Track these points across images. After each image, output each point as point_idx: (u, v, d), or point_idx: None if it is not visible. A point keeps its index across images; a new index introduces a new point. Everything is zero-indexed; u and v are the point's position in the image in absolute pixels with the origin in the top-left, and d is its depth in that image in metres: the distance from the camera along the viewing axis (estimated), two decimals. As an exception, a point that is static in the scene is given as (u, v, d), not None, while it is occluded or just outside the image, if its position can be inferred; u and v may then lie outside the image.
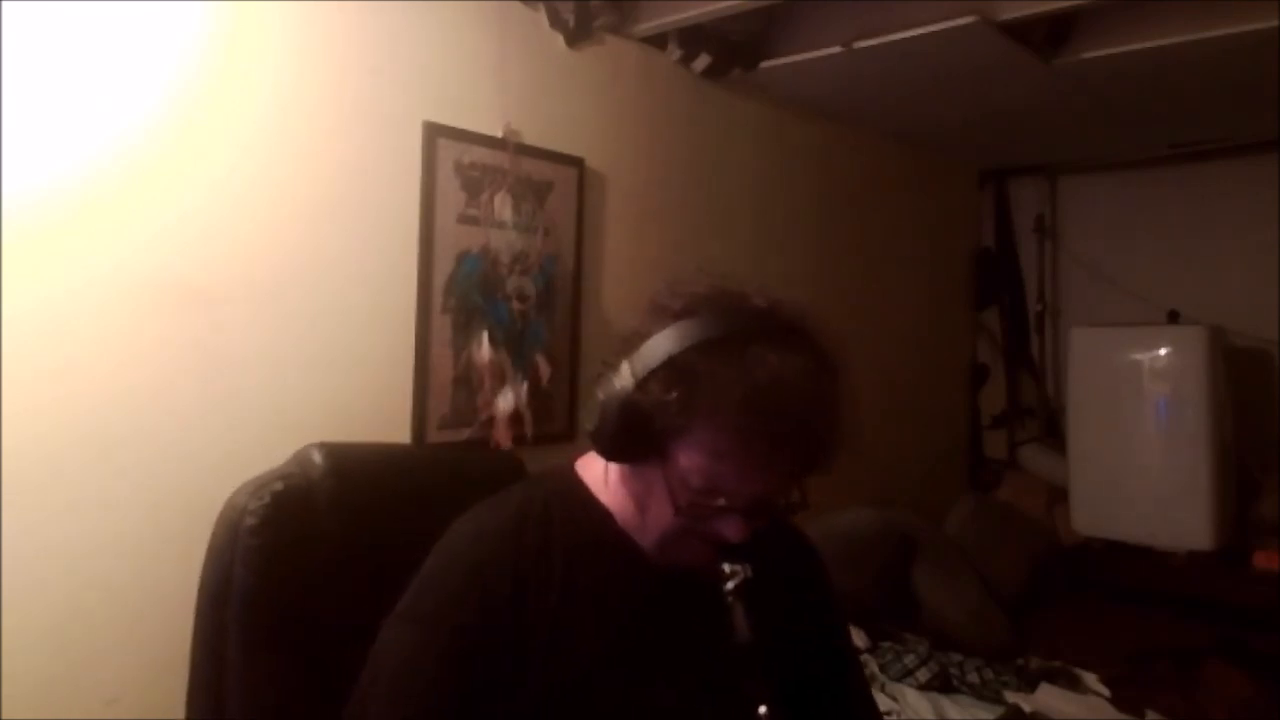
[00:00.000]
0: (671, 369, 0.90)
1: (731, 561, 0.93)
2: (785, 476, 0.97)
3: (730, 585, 0.92)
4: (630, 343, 0.95)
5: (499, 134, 2.08)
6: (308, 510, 1.08)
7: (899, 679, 2.24)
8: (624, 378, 0.93)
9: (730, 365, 0.88)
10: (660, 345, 0.92)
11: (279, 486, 1.07)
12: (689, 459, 0.92)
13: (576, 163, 2.26)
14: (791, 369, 0.89)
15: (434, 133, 1.97)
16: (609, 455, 0.98)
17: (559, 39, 2.23)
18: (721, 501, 0.93)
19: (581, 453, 1.08)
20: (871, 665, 2.28)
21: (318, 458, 1.11)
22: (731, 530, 0.94)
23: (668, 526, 0.96)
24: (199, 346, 1.66)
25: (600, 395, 0.94)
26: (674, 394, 0.89)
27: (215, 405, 1.68)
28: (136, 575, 1.57)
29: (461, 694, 0.93)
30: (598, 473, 1.04)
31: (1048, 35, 2.38)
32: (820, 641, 1.14)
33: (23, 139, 1.47)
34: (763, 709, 0.88)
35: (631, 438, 0.93)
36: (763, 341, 0.90)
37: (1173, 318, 3.19)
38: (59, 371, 1.51)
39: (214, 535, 1.08)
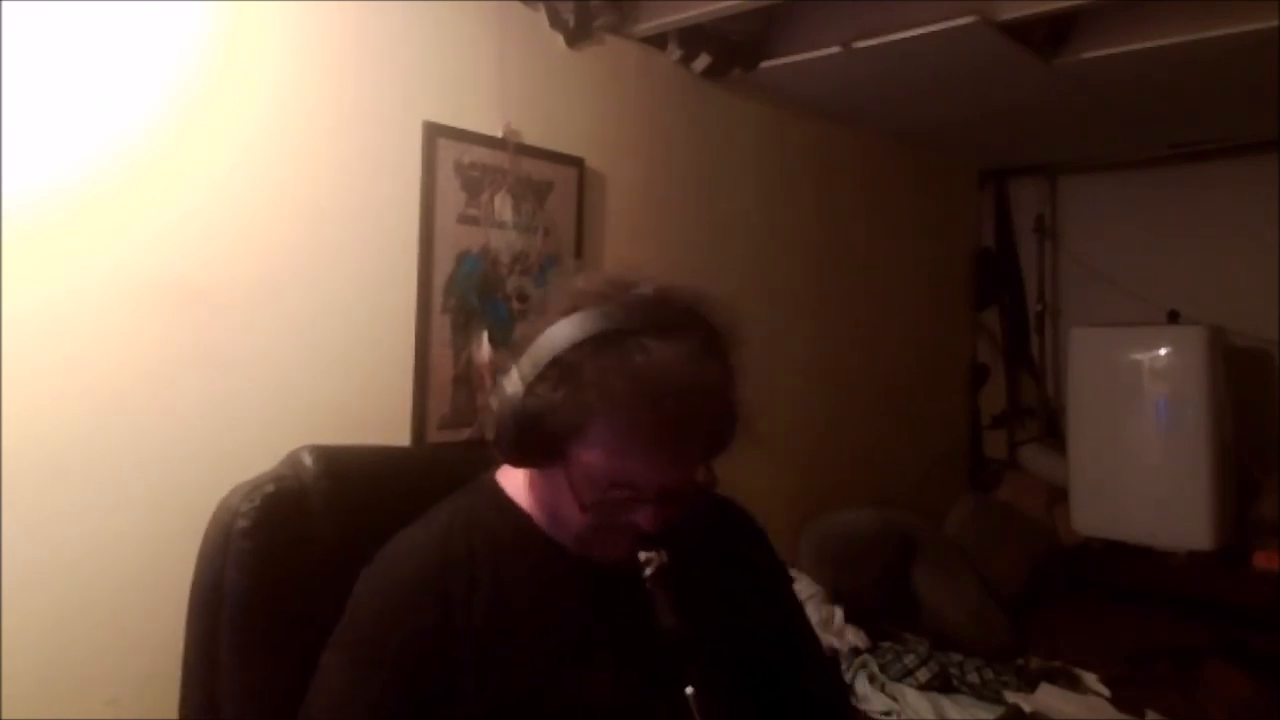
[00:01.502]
0: (556, 369, 0.89)
1: (647, 550, 0.93)
2: (687, 461, 0.96)
3: (648, 573, 0.92)
4: (519, 347, 0.94)
5: (499, 134, 2.09)
6: (299, 512, 1.07)
7: (899, 679, 2.24)
8: (514, 382, 0.92)
9: (612, 358, 0.88)
10: (545, 346, 0.91)
11: (270, 489, 1.06)
12: (588, 456, 0.91)
13: (576, 163, 2.26)
14: (674, 355, 0.88)
15: (434, 133, 1.97)
16: (512, 462, 0.98)
17: (559, 39, 2.24)
18: (628, 494, 0.92)
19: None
20: (871, 665, 2.28)
21: (309, 460, 1.10)
22: (644, 520, 0.93)
23: (580, 525, 0.95)
24: (199, 346, 1.67)
25: (494, 402, 0.94)
26: (561, 394, 0.89)
27: (215, 405, 1.68)
28: (136, 575, 1.57)
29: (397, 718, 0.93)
30: (518, 478, 1.04)
31: (1048, 35, 2.38)
32: (765, 611, 1.13)
33: (23, 139, 1.47)
34: (689, 690, 0.88)
35: (529, 442, 0.92)
36: (645, 331, 0.89)
37: (1173, 318, 3.19)
38: (59, 371, 1.51)
39: (205, 538, 1.07)
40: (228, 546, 1.04)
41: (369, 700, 0.93)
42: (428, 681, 0.93)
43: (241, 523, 1.04)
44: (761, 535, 1.19)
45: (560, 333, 0.90)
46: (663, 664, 0.91)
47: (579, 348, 0.89)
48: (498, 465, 1.08)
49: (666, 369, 0.87)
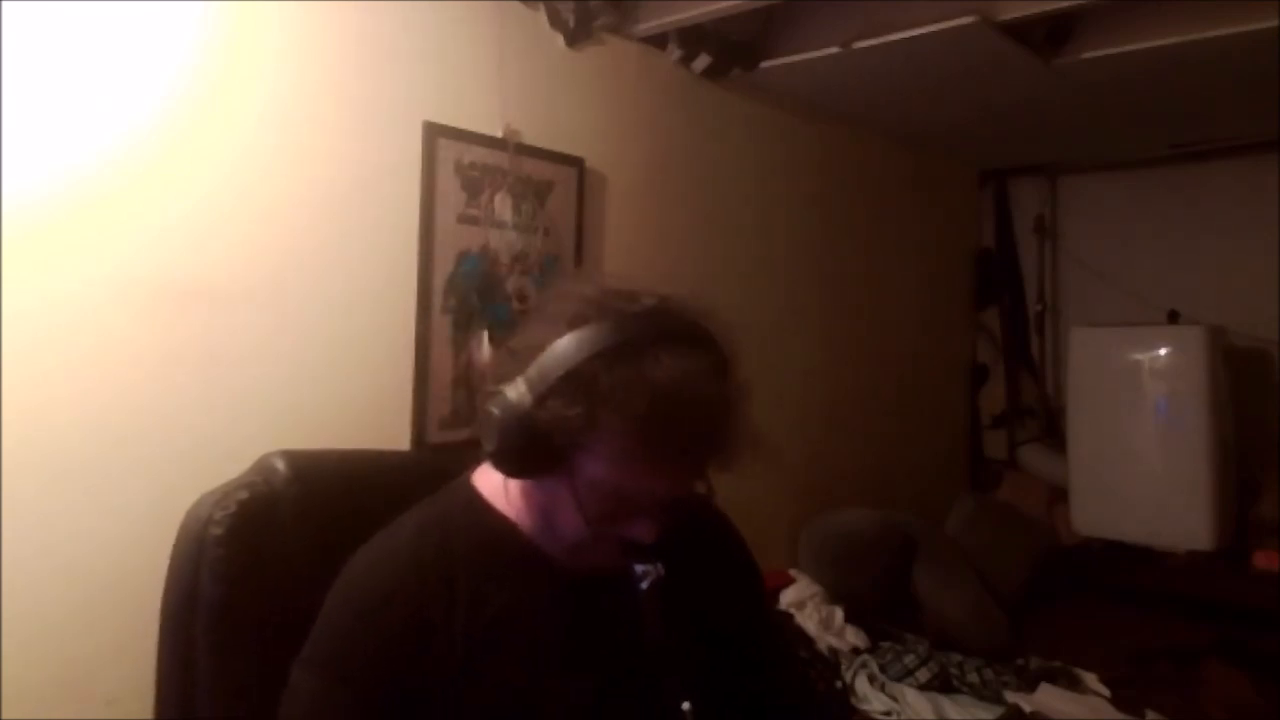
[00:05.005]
0: (570, 382, 0.87)
1: (642, 562, 0.92)
2: (696, 475, 0.96)
3: (644, 585, 0.91)
4: (522, 355, 0.92)
5: (499, 134, 2.09)
6: (272, 519, 1.06)
7: (899, 679, 2.24)
8: (521, 394, 0.89)
9: (629, 374, 0.86)
10: (555, 358, 0.88)
11: (244, 496, 1.05)
12: (596, 469, 0.90)
13: (576, 163, 2.26)
14: (689, 369, 0.88)
15: (434, 133, 1.97)
16: (514, 474, 0.96)
17: (559, 39, 2.24)
18: (632, 506, 0.92)
19: (477, 464, 1.05)
20: (871, 665, 2.28)
21: (280, 465, 1.09)
22: (642, 531, 0.93)
23: (579, 536, 0.94)
24: (199, 346, 1.66)
25: (497, 413, 0.91)
26: (576, 409, 0.87)
27: (215, 405, 1.68)
28: (137, 575, 1.57)
29: None
30: (496, 483, 1.00)
31: (1048, 35, 2.38)
32: (739, 608, 1.13)
33: (23, 139, 1.47)
34: (686, 705, 0.88)
35: (536, 455, 0.91)
36: (658, 343, 0.88)
37: (1173, 318, 3.19)
38: (59, 371, 1.51)
39: (176, 548, 1.06)
40: (201, 555, 1.03)
41: (345, 717, 0.91)
42: (402, 695, 0.92)
43: (215, 531, 1.03)
44: (735, 534, 1.19)
45: (572, 344, 0.88)
46: (653, 677, 0.91)
47: (593, 361, 0.87)
48: (473, 468, 1.06)
49: (683, 383, 0.86)
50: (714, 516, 1.17)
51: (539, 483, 0.96)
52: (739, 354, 0.95)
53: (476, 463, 1.05)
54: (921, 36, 2.24)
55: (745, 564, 1.19)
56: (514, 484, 0.99)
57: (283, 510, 1.07)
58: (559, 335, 0.90)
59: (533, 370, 0.90)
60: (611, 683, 0.97)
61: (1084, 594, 3.01)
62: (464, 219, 2.03)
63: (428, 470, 1.15)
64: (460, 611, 0.95)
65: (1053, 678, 2.34)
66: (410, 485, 1.09)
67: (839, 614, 2.43)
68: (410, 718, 0.92)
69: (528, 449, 0.90)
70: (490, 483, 1.02)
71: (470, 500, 1.03)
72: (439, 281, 1.99)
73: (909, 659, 2.29)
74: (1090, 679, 2.36)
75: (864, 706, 2.16)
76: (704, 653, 0.98)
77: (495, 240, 2.08)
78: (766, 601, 1.24)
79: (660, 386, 0.86)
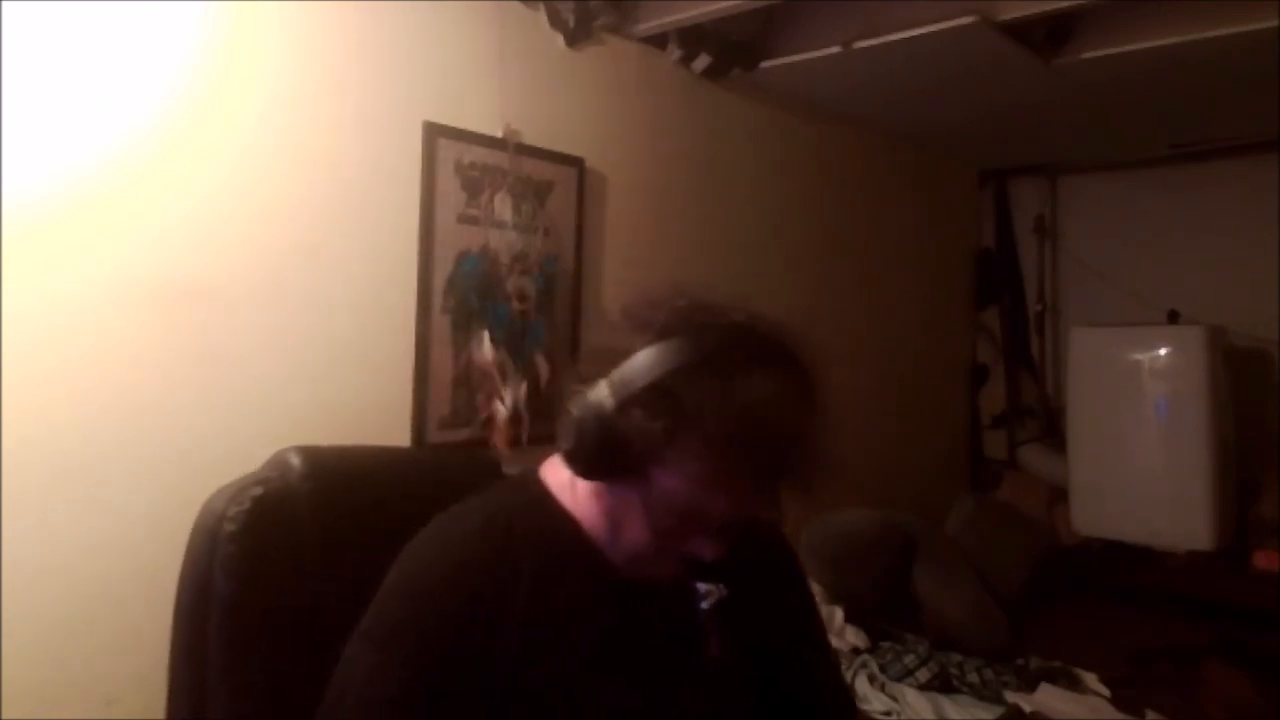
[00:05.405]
0: (654, 393, 0.88)
1: (706, 581, 0.93)
2: (770, 498, 0.96)
3: (705, 605, 0.92)
4: (608, 358, 0.92)
5: (499, 134, 2.09)
6: (287, 515, 1.06)
7: (899, 679, 2.24)
8: (604, 397, 0.90)
9: (715, 392, 0.87)
10: (641, 367, 0.89)
11: (258, 491, 1.05)
12: (670, 483, 0.90)
13: (576, 163, 2.26)
14: (775, 393, 0.88)
15: (434, 133, 1.97)
16: (585, 475, 0.95)
17: (559, 39, 2.24)
18: (700, 523, 0.93)
19: (546, 456, 1.06)
20: (871, 665, 2.28)
21: (295, 461, 1.09)
22: (707, 549, 0.93)
23: (643, 546, 0.95)
24: (199, 346, 1.67)
25: (577, 413, 0.91)
26: (658, 422, 0.87)
27: (215, 405, 1.68)
28: (136, 574, 1.57)
29: (426, 716, 0.92)
30: (564, 479, 1.00)
31: (1048, 35, 2.39)
32: (793, 630, 1.14)
33: (23, 139, 1.47)
34: None
35: (610, 460, 0.91)
36: (745, 364, 0.89)
37: (1173, 318, 3.19)
38: (59, 371, 1.51)
39: (190, 542, 1.06)
40: (214, 550, 1.03)
41: (399, 690, 0.92)
42: (454, 677, 0.92)
43: (229, 526, 1.03)
44: (791, 552, 1.19)
45: (659, 355, 0.89)
46: (702, 690, 0.92)
47: (679, 375, 0.87)
48: (541, 460, 1.06)
49: (767, 409, 0.87)
50: (775, 537, 1.17)
51: (610, 487, 0.96)
52: (824, 377, 0.95)
53: (545, 456, 1.05)
54: (921, 36, 2.24)
55: (801, 588, 1.19)
56: (582, 483, 0.99)
57: (297, 506, 1.07)
58: (646, 343, 0.90)
59: (616, 375, 0.90)
60: (662, 694, 0.97)
61: (1084, 594, 3.00)
62: (464, 219, 2.03)
63: (443, 467, 1.15)
64: (520, 605, 0.95)
65: (1053, 678, 2.33)
66: (425, 482, 1.09)
67: (839, 614, 2.42)
68: (461, 701, 0.92)
69: (603, 453, 0.90)
70: (558, 478, 1.02)
71: (537, 494, 1.03)
72: (439, 281, 1.99)
73: (909, 659, 2.29)
74: (1090, 679, 2.36)
75: (864, 706, 2.15)
76: (757, 673, 0.99)
77: (495, 240, 2.08)
78: (820, 628, 1.23)
79: (745, 411, 0.86)
